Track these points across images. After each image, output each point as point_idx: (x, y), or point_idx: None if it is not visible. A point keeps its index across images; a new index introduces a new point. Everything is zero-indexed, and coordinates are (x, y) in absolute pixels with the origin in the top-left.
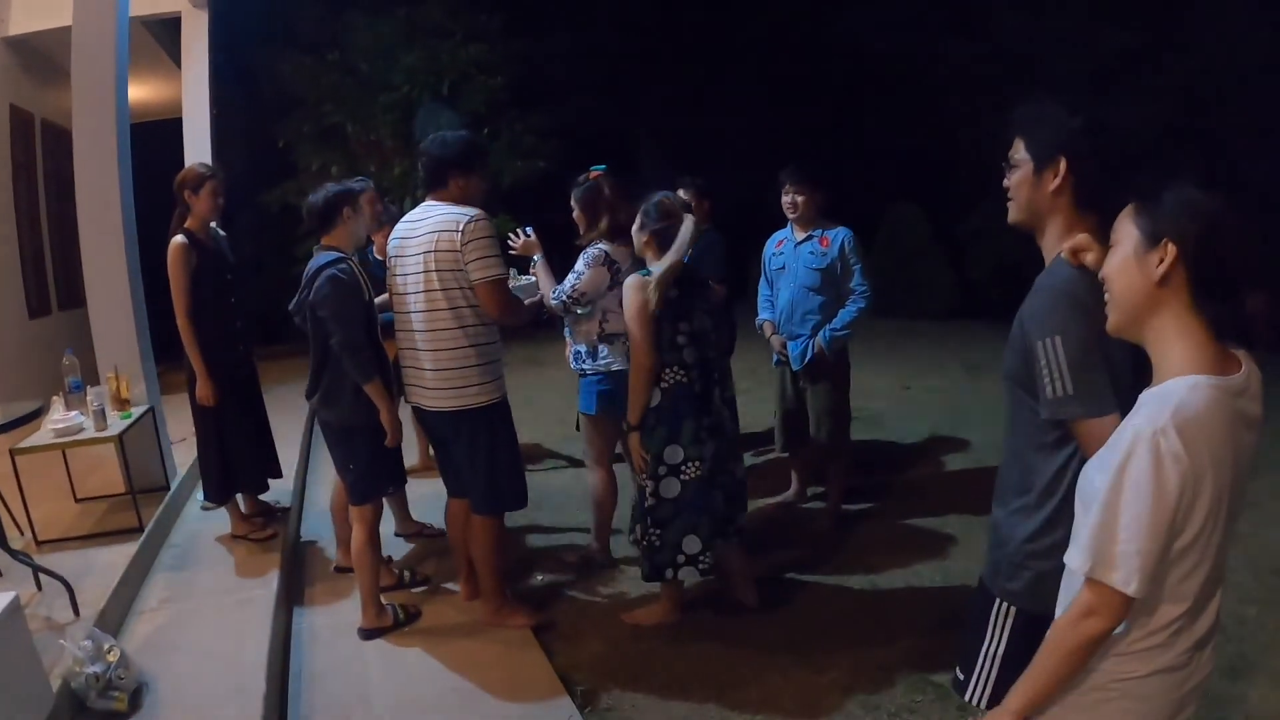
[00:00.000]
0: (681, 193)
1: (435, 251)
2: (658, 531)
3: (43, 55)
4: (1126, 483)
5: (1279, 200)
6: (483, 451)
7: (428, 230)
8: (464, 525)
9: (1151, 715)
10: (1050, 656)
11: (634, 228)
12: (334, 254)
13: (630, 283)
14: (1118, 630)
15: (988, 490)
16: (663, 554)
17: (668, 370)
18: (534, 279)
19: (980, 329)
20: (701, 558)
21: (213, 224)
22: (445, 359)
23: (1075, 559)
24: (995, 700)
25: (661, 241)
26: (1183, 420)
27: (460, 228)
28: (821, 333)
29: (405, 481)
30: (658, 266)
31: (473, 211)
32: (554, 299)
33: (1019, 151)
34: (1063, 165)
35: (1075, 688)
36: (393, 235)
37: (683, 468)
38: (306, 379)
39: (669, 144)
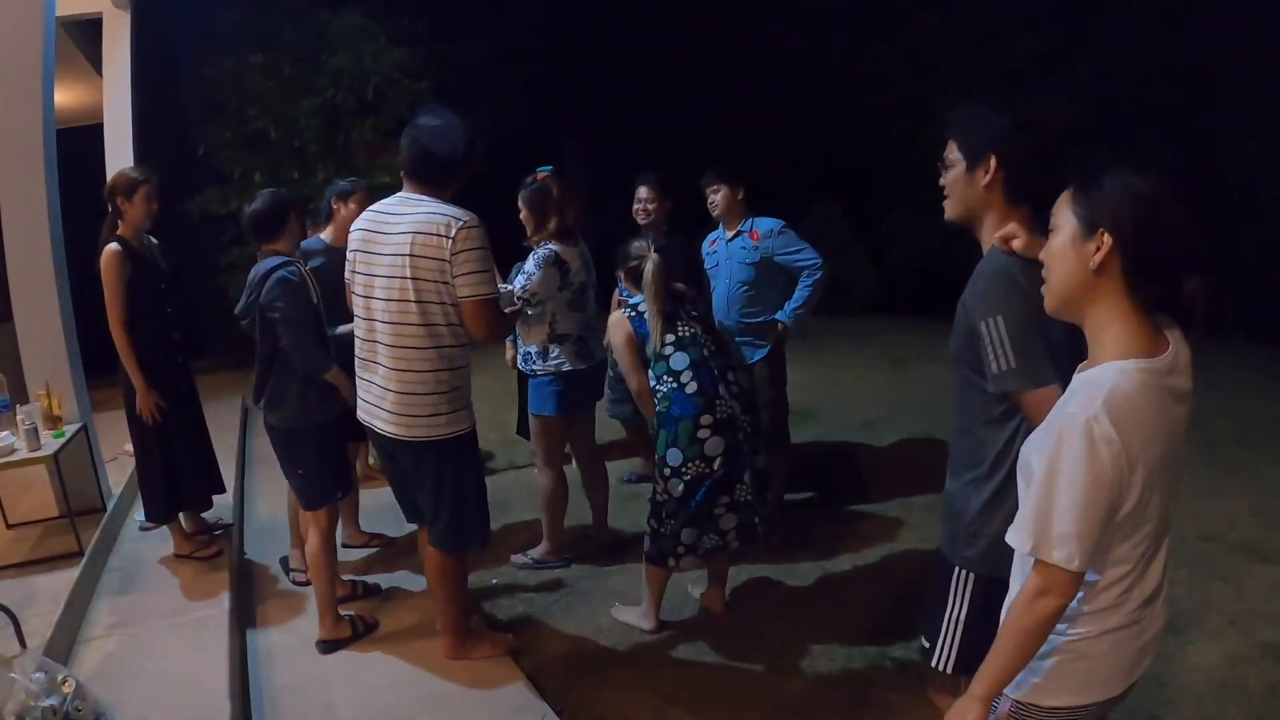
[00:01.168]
0: (642, 189)
1: (413, 256)
2: (671, 522)
3: None
4: (1062, 466)
5: (1197, 192)
6: (448, 487)
7: (407, 229)
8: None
9: (1108, 671)
10: (1010, 638)
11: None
12: (281, 258)
13: (612, 320)
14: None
15: (925, 473)
16: (667, 542)
17: (661, 380)
18: (510, 286)
19: (903, 323)
20: (699, 545)
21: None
22: (412, 382)
23: (1016, 539)
24: (960, 664)
25: (634, 277)
26: (1114, 405)
27: (450, 233)
28: (781, 312)
29: (351, 486)
30: (639, 300)
31: (465, 215)
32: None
33: (952, 152)
34: (993, 162)
35: (1040, 655)
36: (356, 225)
37: (683, 469)
38: (238, 392)
39: (593, 146)
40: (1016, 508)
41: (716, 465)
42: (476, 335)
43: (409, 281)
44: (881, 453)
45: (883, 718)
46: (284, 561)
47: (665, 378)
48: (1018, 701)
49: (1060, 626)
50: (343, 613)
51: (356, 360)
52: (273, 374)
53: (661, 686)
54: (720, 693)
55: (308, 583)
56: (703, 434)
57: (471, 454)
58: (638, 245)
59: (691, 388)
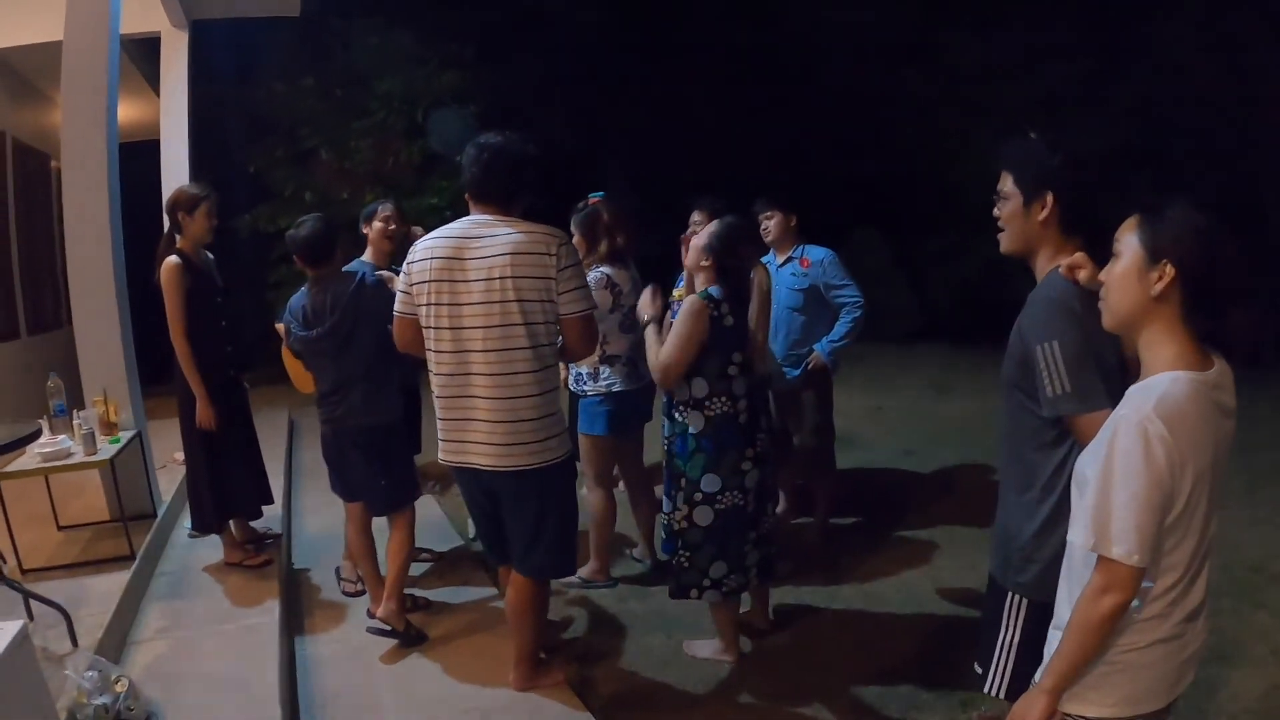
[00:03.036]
0: (697, 214)
1: (516, 278)
2: (687, 554)
3: (15, 72)
4: (1118, 465)
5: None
6: (553, 514)
7: (502, 250)
8: None
9: (1152, 684)
10: (1076, 636)
11: (696, 244)
12: (358, 270)
13: (691, 305)
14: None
15: (968, 500)
16: (690, 575)
17: (715, 399)
18: None
19: (943, 351)
20: (725, 581)
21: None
22: (523, 408)
23: (1079, 536)
24: (1013, 689)
25: (721, 273)
26: (1165, 408)
27: (554, 250)
28: (819, 345)
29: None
30: (718, 291)
31: (559, 231)
32: None
33: (1007, 184)
34: (1049, 199)
35: (1100, 666)
36: (424, 254)
37: (719, 497)
38: (285, 406)
39: (636, 169)
40: (1060, 587)
41: (751, 499)
42: (579, 351)
43: (514, 304)
44: (924, 479)
45: None
46: (337, 571)
47: (722, 400)
48: (1065, 713)
49: (1111, 640)
50: None
51: (439, 400)
52: (367, 379)
53: (707, 709)
54: (764, 716)
55: (358, 593)
56: (745, 465)
57: (574, 477)
58: (741, 239)
59: (744, 417)
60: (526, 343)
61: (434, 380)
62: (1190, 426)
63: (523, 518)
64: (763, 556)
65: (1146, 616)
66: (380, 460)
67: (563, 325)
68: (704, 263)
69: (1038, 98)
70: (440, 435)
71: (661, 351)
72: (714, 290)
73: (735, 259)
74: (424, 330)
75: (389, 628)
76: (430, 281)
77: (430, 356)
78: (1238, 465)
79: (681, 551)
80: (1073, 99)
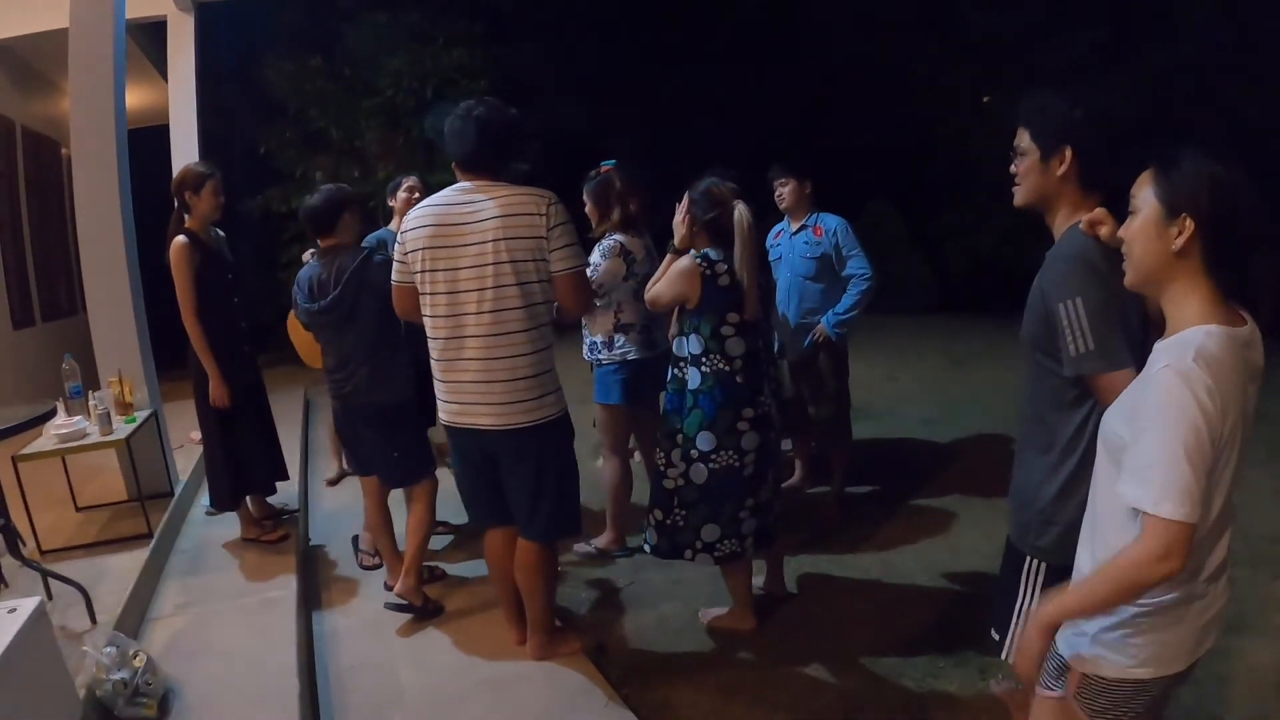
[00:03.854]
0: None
1: (509, 239)
2: (683, 512)
3: (24, 61)
4: (1166, 420)
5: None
6: (552, 472)
7: (493, 213)
8: (510, 559)
9: (1175, 645)
10: (1113, 591)
11: (678, 218)
12: (361, 249)
13: (680, 267)
14: None
15: (985, 469)
16: (685, 535)
17: (710, 356)
18: None
19: (959, 323)
20: (718, 546)
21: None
22: (521, 367)
23: (1129, 495)
24: None
25: (713, 231)
26: (1205, 359)
27: (544, 210)
28: (825, 318)
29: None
30: (716, 253)
31: (548, 192)
32: None
33: (1024, 140)
34: (1068, 154)
35: (1106, 627)
36: (416, 223)
37: (713, 456)
38: (300, 384)
39: (647, 143)
40: (1087, 495)
41: (748, 461)
42: (573, 308)
43: (507, 265)
44: (941, 449)
45: (945, 710)
46: (355, 540)
47: (716, 357)
48: (1085, 675)
49: (1151, 599)
50: None
51: (437, 364)
52: (376, 355)
53: (724, 676)
54: (782, 684)
55: (374, 566)
56: (742, 426)
57: (571, 434)
58: (715, 187)
59: (741, 377)
60: (520, 302)
61: (431, 345)
62: (1227, 377)
63: (522, 477)
64: (760, 525)
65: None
66: (392, 435)
67: (555, 283)
68: (695, 230)
69: (1056, 68)
70: (439, 398)
71: (655, 286)
72: (711, 251)
73: (722, 211)
74: (420, 297)
75: (406, 603)
76: (424, 249)
77: (427, 322)
78: (1259, 434)
79: (677, 510)
80: (1092, 68)
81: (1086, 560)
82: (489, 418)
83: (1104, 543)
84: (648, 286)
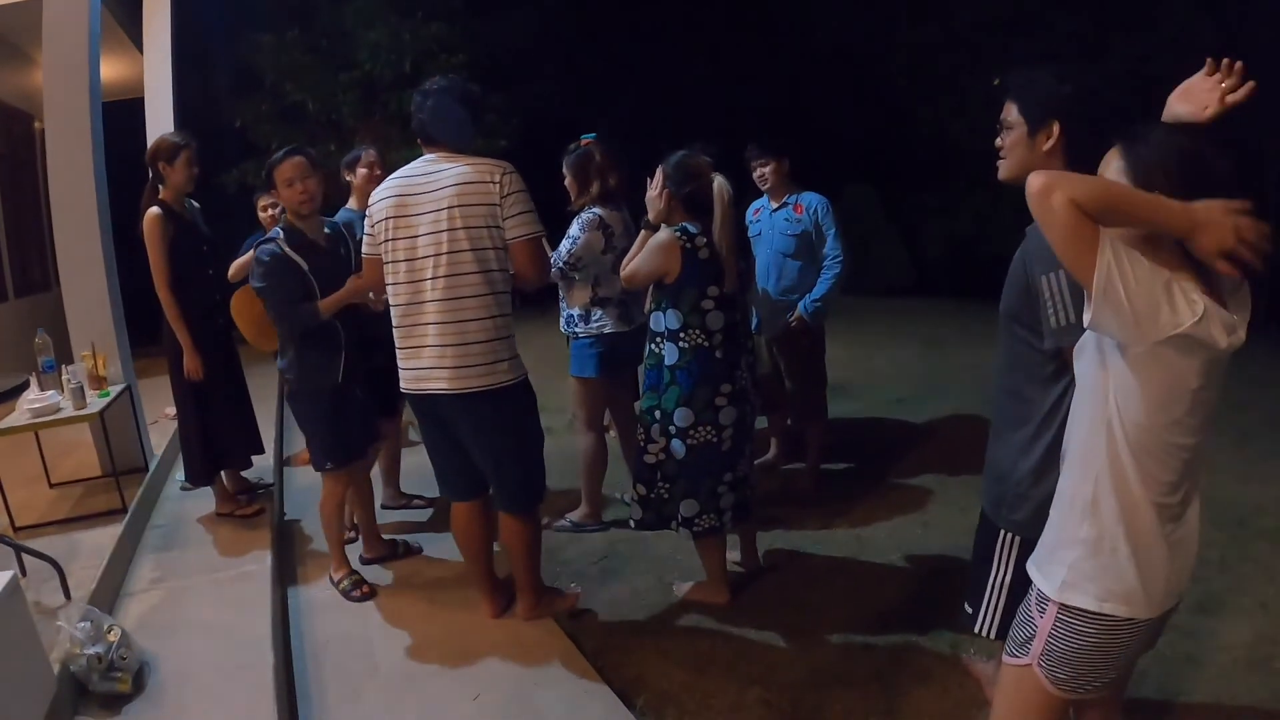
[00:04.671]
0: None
1: (462, 207)
2: (666, 485)
3: None
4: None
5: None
6: (512, 437)
7: (448, 183)
8: (478, 532)
9: (1147, 583)
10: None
11: (652, 193)
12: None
13: (658, 240)
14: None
15: (959, 448)
16: (670, 506)
17: (688, 331)
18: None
19: (935, 305)
20: (696, 521)
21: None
22: (473, 331)
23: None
24: (1004, 629)
25: (690, 204)
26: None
27: (497, 178)
28: (801, 303)
29: (361, 456)
30: (694, 226)
31: (504, 162)
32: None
33: (1011, 114)
34: (1056, 128)
35: (1089, 555)
36: (381, 194)
37: (690, 432)
38: (271, 360)
39: (626, 122)
40: (1061, 470)
41: (725, 436)
42: (528, 276)
43: (461, 231)
44: (916, 428)
45: (916, 683)
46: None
47: (695, 332)
48: (1062, 604)
49: (1116, 529)
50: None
51: (396, 331)
52: (289, 342)
53: (698, 649)
54: (755, 656)
55: (352, 540)
56: (720, 401)
57: (531, 401)
58: (691, 159)
59: (720, 352)
60: (475, 268)
61: (392, 312)
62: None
63: (481, 443)
64: (738, 500)
65: (1152, 499)
66: (322, 420)
67: (511, 250)
68: (672, 205)
69: (1039, 52)
70: (399, 365)
71: (631, 264)
72: (690, 225)
73: (699, 184)
74: (385, 267)
75: (378, 556)
76: (388, 219)
77: (389, 290)
78: (1228, 422)
79: (660, 484)
80: (1075, 54)
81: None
82: (442, 382)
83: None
84: (623, 264)
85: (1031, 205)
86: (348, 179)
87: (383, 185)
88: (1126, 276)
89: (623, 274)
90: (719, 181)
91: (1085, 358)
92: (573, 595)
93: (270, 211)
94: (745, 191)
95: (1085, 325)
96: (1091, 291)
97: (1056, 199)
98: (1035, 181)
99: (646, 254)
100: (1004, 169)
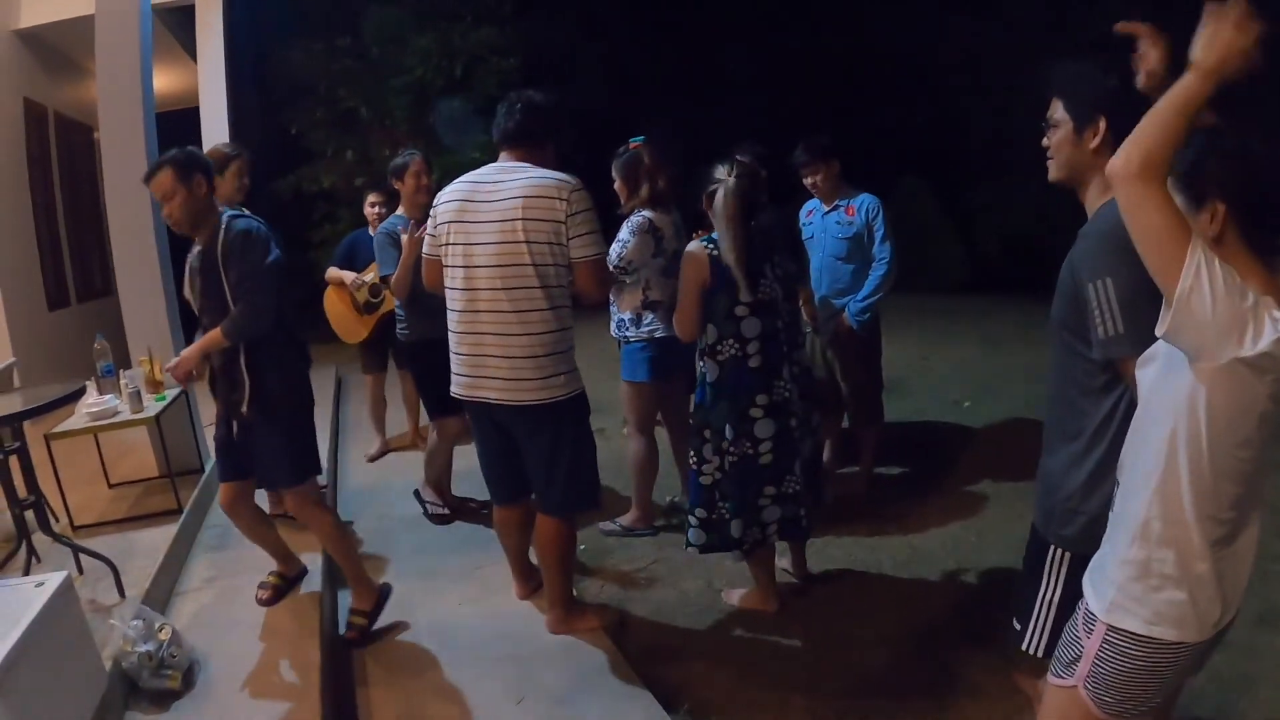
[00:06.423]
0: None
1: (526, 220)
2: (726, 505)
3: (55, 48)
4: None
5: None
6: (567, 449)
7: (514, 194)
8: (519, 531)
9: (1198, 607)
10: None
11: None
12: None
13: (689, 251)
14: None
15: (1016, 453)
16: (727, 528)
17: (724, 343)
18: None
19: (993, 303)
20: (745, 535)
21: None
22: (532, 345)
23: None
24: (1052, 647)
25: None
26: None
27: (564, 195)
28: (848, 307)
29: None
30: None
31: (572, 178)
32: None
33: (1057, 111)
34: (1103, 124)
35: (1138, 577)
36: (447, 196)
37: (730, 448)
38: (332, 362)
39: (676, 121)
40: (1114, 486)
41: (763, 450)
42: (591, 294)
43: (523, 245)
44: (973, 432)
45: (966, 697)
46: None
47: (730, 342)
48: (1109, 625)
49: (1166, 552)
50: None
51: (454, 336)
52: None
53: (744, 657)
54: (801, 665)
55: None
56: (755, 413)
57: (586, 414)
58: (721, 168)
59: (755, 361)
60: (536, 283)
61: (450, 317)
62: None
63: (536, 453)
64: (785, 514)
65: (1206, 519)
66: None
67: (574, 269)
68: (706, 206)
69: (1089, 43)
70: (454, 370)
71: (676, 313)
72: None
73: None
74: (445, 270)
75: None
76: (451, 223)
77: (448, 294)
78: None
79: (720, 504)
80: (1128, 44)
81: (1107, 545)
82: (499, 392)
83: (1120, 529)
84: (674, 319)
85: (1118, 193)
86: (397, 186)
87: (451, 186)
88: (1216, 282)
89: (676, 330)
90: (726, 188)
91: (1151, 370)
92: (607, 613)
93: (377, 209)
94: (795, 191)
95: (1158, 334)
96: (1173, 296)
97: (1134, 163)
98: (1113, 164)
99: (681, 272)
100: (1053, 169)
